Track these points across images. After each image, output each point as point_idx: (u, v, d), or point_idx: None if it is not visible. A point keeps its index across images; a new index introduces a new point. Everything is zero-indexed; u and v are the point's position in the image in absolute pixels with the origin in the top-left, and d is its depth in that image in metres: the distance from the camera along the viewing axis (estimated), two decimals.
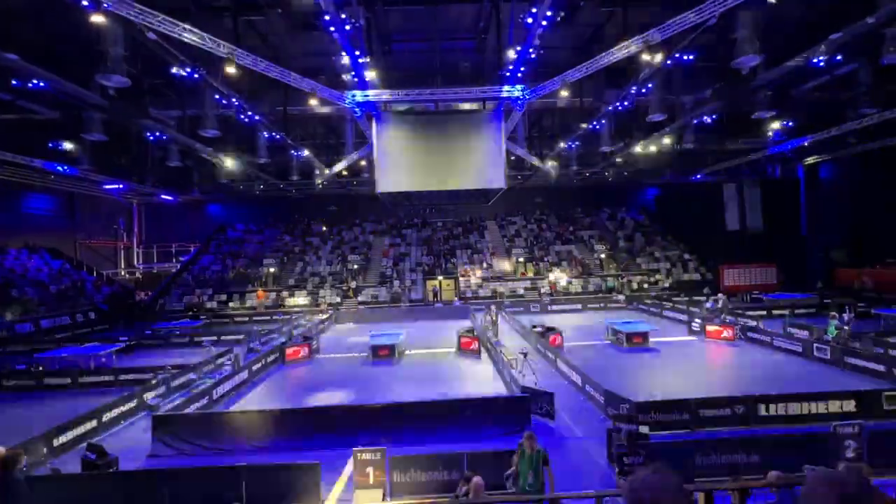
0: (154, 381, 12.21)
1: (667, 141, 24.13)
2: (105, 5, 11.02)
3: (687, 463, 7.12)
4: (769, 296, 24.71)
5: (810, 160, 30.33)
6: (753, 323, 17.58)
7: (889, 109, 19.21)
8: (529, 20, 13.30)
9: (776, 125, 24.02)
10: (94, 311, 25.50)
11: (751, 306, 23.07)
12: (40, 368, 14.51)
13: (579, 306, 26.35)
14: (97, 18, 11.12)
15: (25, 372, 14.23)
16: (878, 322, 18.17)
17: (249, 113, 18.92)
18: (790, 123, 24.87)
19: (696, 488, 5.49)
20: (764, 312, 21.42)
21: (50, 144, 22.18)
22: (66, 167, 22.08)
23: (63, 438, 8.90)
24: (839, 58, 17.52)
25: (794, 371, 12.78)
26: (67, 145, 22.06)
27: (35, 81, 14.80)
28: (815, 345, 13.75)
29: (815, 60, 15.95)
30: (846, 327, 14.25)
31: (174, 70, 15.22)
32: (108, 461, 7.41)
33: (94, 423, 9.75)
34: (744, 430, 8.58)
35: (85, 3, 10.81)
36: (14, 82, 15.67)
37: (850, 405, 9.06)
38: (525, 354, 12.95)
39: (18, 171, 22.37)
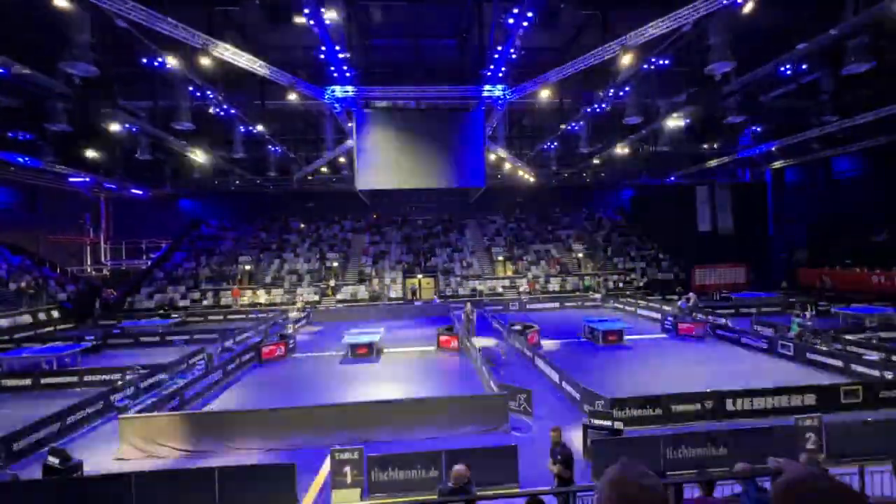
0: (122, 382, 11.79)
1: (642, 143, 24.73)
2: None
3: (659, 457, 7.33)
4: (737, 295, 25.63)
5: (777, 164, 31.61)
6: (722, 321, 18.22)
7: (849, 117, 20.18)
8: (510, 20, 13.40)
9: (746, 130, 24.94)
10: (58, 310, 24.41)
11: (720, 305, 23.88)
12: None
13: (557, 305, 26.74)
14: (61, 2, 10.62)
15: None
16: (837, 320, 19.08)
17: (225, 106, 18.45)
18: (759, 129, 25.85)
19: (667, 481, 5.67)
20: (732, 311, 22.21)
21: (10, 134, 21.08)
22: (27, 159, 21.04)
23: (23, 443, 8.50)
24: (804, 67, 18.31)
25: (759, 367, 13.31)
26: (29, 136, 21.01)
27: None
28: (779, 342, 14.36)
29: (782, 69, 16.61)
30: (808, 324, 14.93)
31: (145, 60, 14.70)
32: (71, 466, 7.11)
33: (56, 426, 9.34)
34: (713, 425, 8.89)
35: None
36: None
37: (810, 399, 9.49)
38: (503, 352, 13.07)
39: None
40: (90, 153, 24.29)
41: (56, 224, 32.42)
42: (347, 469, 6.90)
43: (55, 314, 24.00)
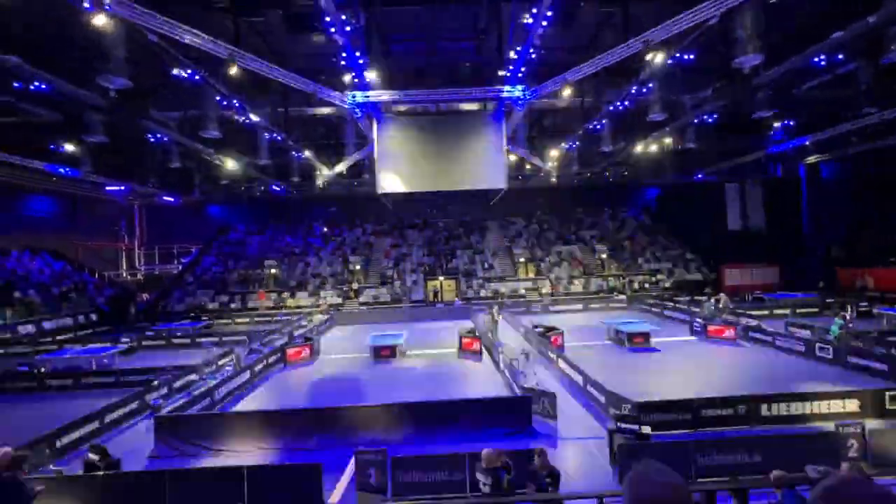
0: (156, 383, 12.22)
1: (668, 140, 24.12)
2: (106, 7, 11.05)
3: (689, 463, 7.11)
4: (771, 295, 24.67)
5: (811, 159, 30.27)
6: (755, 323, 17.56)
7: (889, 109, 19.18)
8: (529, 20, 13.32)
9: (777, 124, 24.01)
10: (96, 313, 25.55)
11: (752, 306, 23.03)
12: (42, 370, 14.53)
13: (580, 307, 26.32)
14: (98, 20, 11.14)
15: (28, 373, 14.25)
16: (881, 321, 18.12)
17: (250, 114, 18.95)
18: (791, 122, 24.85)
19: (698, 488, 5.49)
20: (766, 312, 21.37)
21: (51, 146, 22.23)
22: (67, 169, 22.13)
23: (66, 440, 8.91)
24: (840, 57, 17.52)
25: (796, 371, 12.76)
26: (69, 147, 22.10)
27: (36, 83, 14.85)
28: (817, 344, 13.72)
29: (816, 60, 15.93)
30: (849, 325, 14.23)
31: (175, 71, 15.26)
32: (110, 462, 7.41)
33: (96, 424, 9.77)
34: (746, 431, 8.56)
35: (86, 4, 10.84)
36: (16, 84, 15.72)
37: (852, 405, 9.03)
38: (527, 355, 12.95)
39: (20, 173, 22.43)
40: (125, 163, 25.38)
41: (93, 231, 33.98)
42: (371, 470, 6.95)
43: (93, 317, 25.13)
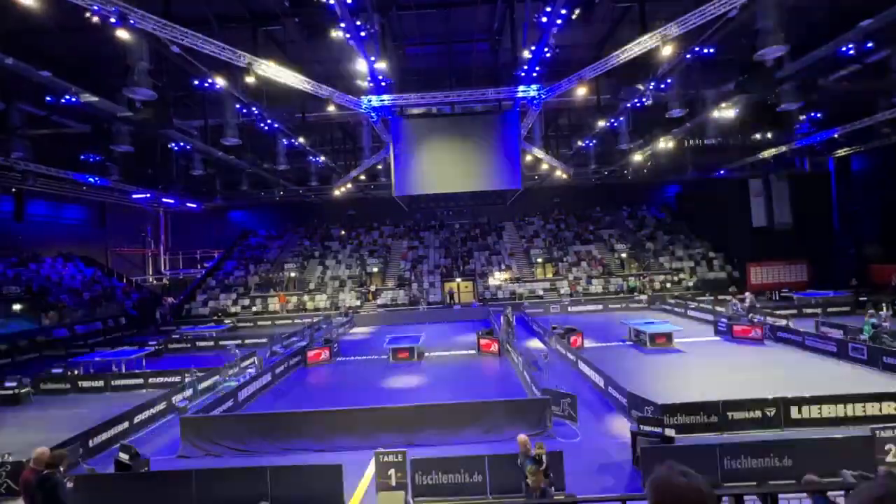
0: (182, 384, 12.55)
1: (688, 137, 23.59)
2: (131, 21, 11.44)
3: (715, 467, 6.92)
4: (800, 294, 23.84)
5: (841, 152, 29.14)
6: (783, 322, 16.99)
7: None
8: (544, 19, 13.22)
9: (804, 117, 23.22)
10: (125, 317, 26.42)
11: (780, 305, 22.31)
12: (76, 372, 15.09)
13: (600, 307, 25.95)
14: (123, 34, 11.54)
15: (62, 375, 14.83)
16: None
17: (269, 120, 19.33)
18: (818, 115, 24.00)
19: (724, 492, 5.34)
20: (794, 311, 20.66)
21: (82, 157, 23.12)
22: (97, 178, 22.98)
23: (98, 439, 9.24)
24: (870, 45, 16.86)
25: (827, 372, 12.29)
26: (98, 157, 22.96)
27: (67, 97, 15.46)
28: (850, 344, 13.20)
29: (844, 49, 15.37)
30: (884, 324, 13.64)
31: (196, 81, 15.69)
32: (140, 462, 7.65)
33: (125, 424, 10.09)
34: (776, 434, 8.28)
35: (112, 20, 11.24)
36: (48, 98, 16.41)
37: (889, 407, 8.65)
38: (545, 356, 12.83)
39: (54, 183, 23.40)
40: (150, 171, 26.20)
41: (121, 237, 35.20)
42: (391, 471, 6.98)
43: (122, 321, 25.98)
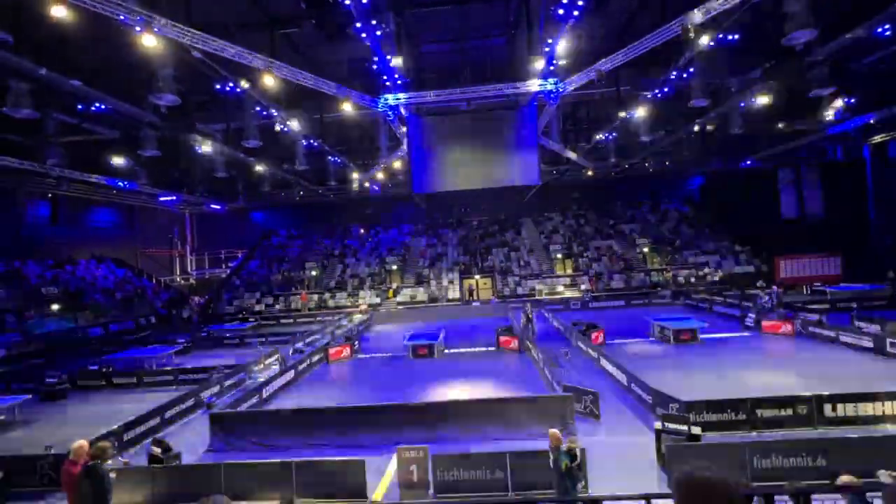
0: (209, 381, 12.94)
1: (712, 127, 22.92)
2: (155, 29, 11.78)
3: (744, 466, 6.74)
4: (833, 288, 22.93)
5: (877, 139, 27.83)
6: (815, 317, 16.38)
7: None
8: (560, 11, 13.02)
9: (836, 103, 22.23)
10: (154, 315, 27.37)
11: (812, 299, 21.50)
12: (110, 369, 15.72)
13: (622, 303, 25.52)
14: (149, 41, 11.90)
15: (97, 372, 15.47)
16: None
17: (288, 122, 19.65)
18: (852, 100, 22.96)
19: (754, 491, 5.19)
20: (827, 306, 19.90)
21: (111, 162, 24.00)
22: (126, 182, 23.81)
23: (131, 434, 9.62)
24: None
25: (864, 369, 11.80)
26: (126, 162, 23.79)
27: (97, 105, 16.05)
28: (888, 339, 12.64)
29: (878, 30, 14.66)
30: None
31: (217, 85, 16.07)
32: (172, 455, 7.94)
33: (157, 419, 10.46)
34: (808, 433, 8.01)
35: (138, 28, 11.60)
36: (79, 106, 17.07)
37: None
38: (566, 353, 12.71)
39: (85, 187, 24.37)
40: (176, 174, 27.01)
41: (149, 239, 36.42)
42: (413, 467, 7.05)
43: (152, 319, 26.93)
